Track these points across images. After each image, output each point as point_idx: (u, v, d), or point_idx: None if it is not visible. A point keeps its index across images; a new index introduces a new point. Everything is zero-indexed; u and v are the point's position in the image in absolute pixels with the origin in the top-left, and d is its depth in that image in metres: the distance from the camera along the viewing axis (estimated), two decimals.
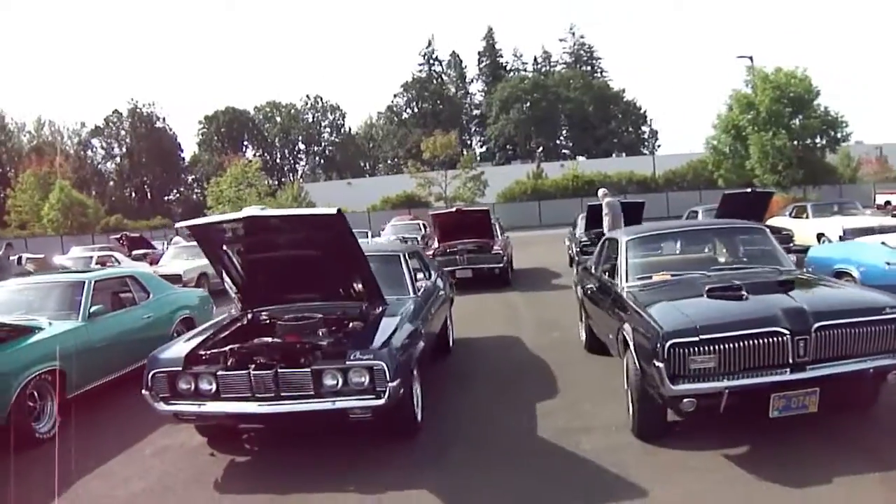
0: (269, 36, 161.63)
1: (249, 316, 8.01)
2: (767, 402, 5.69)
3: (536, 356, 10.20)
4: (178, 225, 7.50)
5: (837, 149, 41.41)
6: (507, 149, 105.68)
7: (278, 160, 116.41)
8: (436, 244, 19.73)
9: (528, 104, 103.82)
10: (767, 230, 8.93)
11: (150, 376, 6.51)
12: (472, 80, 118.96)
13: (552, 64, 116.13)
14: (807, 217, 23.11)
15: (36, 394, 7.71)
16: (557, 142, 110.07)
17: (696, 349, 5.62)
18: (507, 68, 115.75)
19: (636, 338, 6.29)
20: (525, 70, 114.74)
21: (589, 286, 9.28)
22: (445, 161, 63.04)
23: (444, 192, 60.22)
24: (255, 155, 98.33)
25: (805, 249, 14.05)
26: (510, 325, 12.88)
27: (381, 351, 6.24)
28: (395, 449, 6.74)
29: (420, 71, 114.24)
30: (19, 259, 22.87)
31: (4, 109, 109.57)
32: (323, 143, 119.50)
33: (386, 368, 6.08)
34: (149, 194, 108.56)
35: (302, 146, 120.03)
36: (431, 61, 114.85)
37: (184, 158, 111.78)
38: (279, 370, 6.21)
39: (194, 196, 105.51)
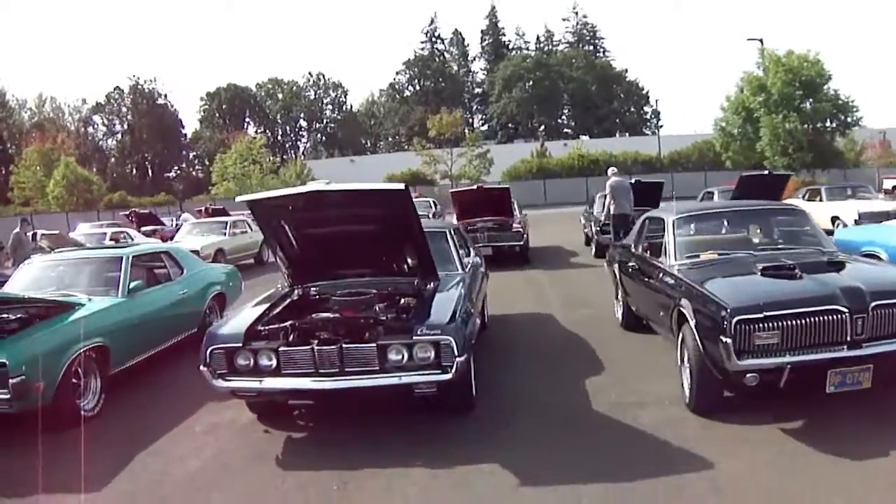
0: (271, 12, 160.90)
1: (300, 291, 8.00)
2: (824, 377, 5.84)
3: (573, 333, 10.30)
4: (238, 199, 7.35)
5: (847, 133, 41.40)
6: (509, 127, 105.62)
7: (280, 137, 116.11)
8: (455, 222, 19.77)
9: (531, 83, 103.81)
10: (807, 212, 9.06)
11: (208, 352, 6.46)
12: (474, 59, 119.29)
13: (555, 43, 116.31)
14: (820, 200, 23.07)
15: (80, 370, 7.59)
16: (559, 121, 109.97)
17: (761, 325, 5.77)
18: (510, 47, 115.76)
19: (697, 315, 6.40)
20: (527, 49, 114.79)
21: (631, 264, 9.37)
22: (451, 139, 63.02)
23: (449, 169, 60.25)
24: (256, 132, 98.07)
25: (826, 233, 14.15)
26: (539, 302, 12.99)
27: (448, 326, 6.25)
28: (452, 424, 6.77)
29: (422, 49, 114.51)
30: (34, 235, 22.79)
31: (5, 86, 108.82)
32: (325, 121, 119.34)
33: (454, 343, 6.08)
34: (150, 171, 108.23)
35: (304, 123, 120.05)
36: (434, 39, 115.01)
37: (185, 135, 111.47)
38: (343, 345, 6.20)
39: (195, 172, 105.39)
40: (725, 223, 9.04)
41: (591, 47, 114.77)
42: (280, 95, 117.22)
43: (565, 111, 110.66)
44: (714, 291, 6.36)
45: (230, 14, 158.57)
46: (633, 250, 9.65)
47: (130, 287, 9.12)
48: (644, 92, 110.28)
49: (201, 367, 6.47)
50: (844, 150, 48.10)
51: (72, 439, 6.66)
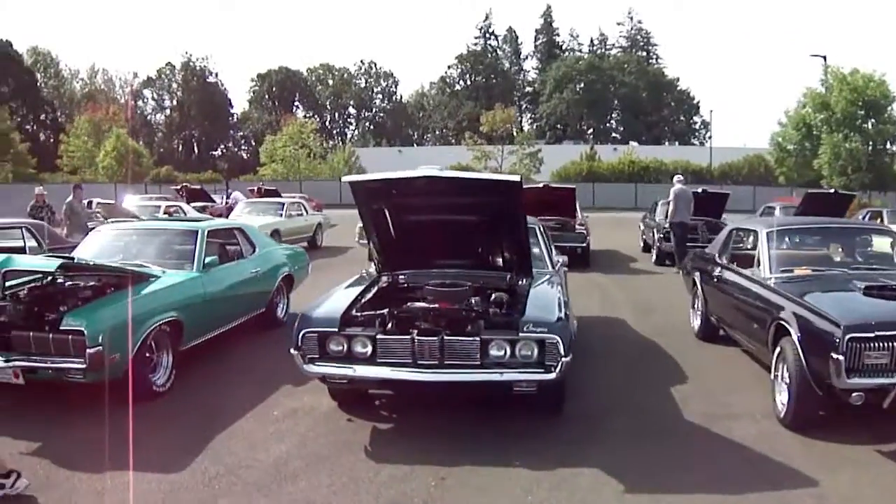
0: None
1: (388, 278, 7.88)
2: None
3: (648, 339, 10.27)
4: (345, 179, 7.11)
5: None
6: (558, 128, 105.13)
7: (328, 123, 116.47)
8: None
9: (582, 85, 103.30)
10: None
11: (300, 335, 6.28)
12: (526, 57, 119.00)
13: (608, 47, 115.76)
14: (882, 223, 22.79)
15: (153, 344, 7.43)
16: (608, 125, 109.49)
17: (873, 345, 5.77)
18: (563, 48, 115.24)
19: (803, 330, 6.37)
20: (580, 51, 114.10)
21: (716, 273, 9.32)
22: (503, 136, 62.96)
23: (499, 166, 60.16)
24: (305, 116, 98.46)
25: None
26: (606, 307, 12.93)
27: (556, 324, 6.12)
28: (543, 422, 6.68)
29: (475, 44, 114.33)
30: (89, 203, 22.75)
31: (59, 55, 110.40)
32: (374, 109, 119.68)
33: (560, 342, 5.97)
34: (196, 148, 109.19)
35: (353, 111, 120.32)
36: (488, 35, 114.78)
37: (233, 115, 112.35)
38: (445, 337, 6.06)
39: (241, 153, 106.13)
40: (818, 239, 9.00)
41: (644, 53, 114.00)
42: (330, 81, 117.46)
43: (614, 115, 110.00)
44: (823, 308, 6.34)
45: None
46: (717, 260, 9.60)
47: (206, 262, 8.94)
48: (694, 102, 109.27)
49: (292, 350, 6.33)
50: None
51: (143, 415, 6.56)
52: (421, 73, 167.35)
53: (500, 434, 6.45)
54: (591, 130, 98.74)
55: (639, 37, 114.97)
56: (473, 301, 6.76)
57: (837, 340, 5.79)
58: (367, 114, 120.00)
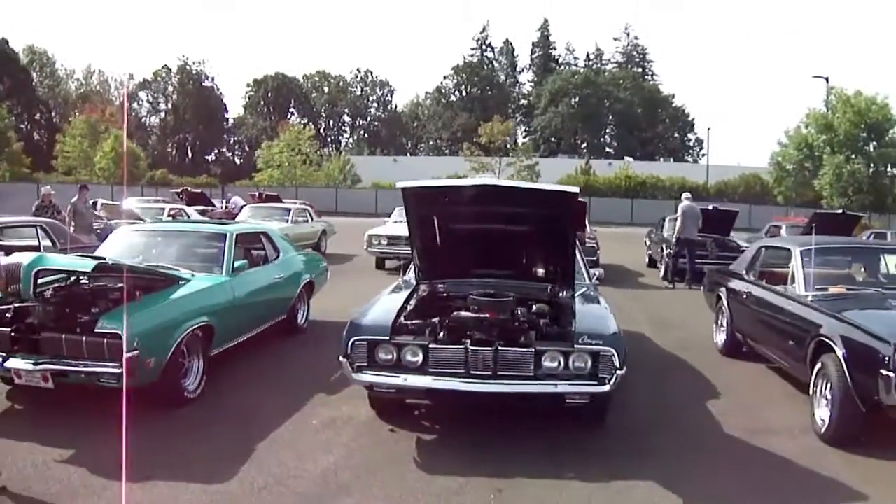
0: (323, 5, 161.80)
1: (429, 287, 7.81)
2: None
3: (672, 354, 10.28)
4: (398, 185, 6.88)
5: None
6: (552, 141, 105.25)
7: (322, 131, 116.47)
8: None
9: (577, 99, 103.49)
10: None
11: (350, 343, 6.21)
12: (522, 70, 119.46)
13: (604, 62, 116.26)
14: None
15: (185, 349, 7.27)
16: (602, 139, 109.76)
17: None
18: (559, 61, 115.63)
19: (848, 347, 6.41)
20: (576, 65, 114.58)
21: (746, 290, 9.35)
22: (500, 148, 63.03)
23: (497, 178, 60.11)
24: (300, 123, 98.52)
25: None
26: (624, 321, 12.65)
27: (611, 337, 6.18)
28: (590, 434, 6.68)
29: (472, 56, 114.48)
30: (94, 204, 22.59)
31: (55, 55, 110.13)
32: (369, 118, 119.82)
33: (615, 355, 6.02)
34: (189, 152, 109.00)
35: (347, 118, 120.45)
36: (484, 47, 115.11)
37: (228, 119, 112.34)
38: (500, 347, 6.03)
39: (234, 158, 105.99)
40: (849, 259, 9.07)
41: (640, 69, 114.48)
42: (326, 89, 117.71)
43: (609, 130, 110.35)
44: (868, 325, 6.41)
45: (282, 4, 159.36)
46: (745, 277, 9.65)
47: (235, 266, 8.75)
48: (689, 119, 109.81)
49: (341, 359, 6.25)
50: None
51: (176, 421, 6.51)
52: (416, 83, 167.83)
53: (550, 446, 6.42)
54: (585, 145, 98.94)
55: (635, 53, 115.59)
56: (520, 312, 6.71)
57: (888, 358, 5.84)
58: (362, 122, 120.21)
